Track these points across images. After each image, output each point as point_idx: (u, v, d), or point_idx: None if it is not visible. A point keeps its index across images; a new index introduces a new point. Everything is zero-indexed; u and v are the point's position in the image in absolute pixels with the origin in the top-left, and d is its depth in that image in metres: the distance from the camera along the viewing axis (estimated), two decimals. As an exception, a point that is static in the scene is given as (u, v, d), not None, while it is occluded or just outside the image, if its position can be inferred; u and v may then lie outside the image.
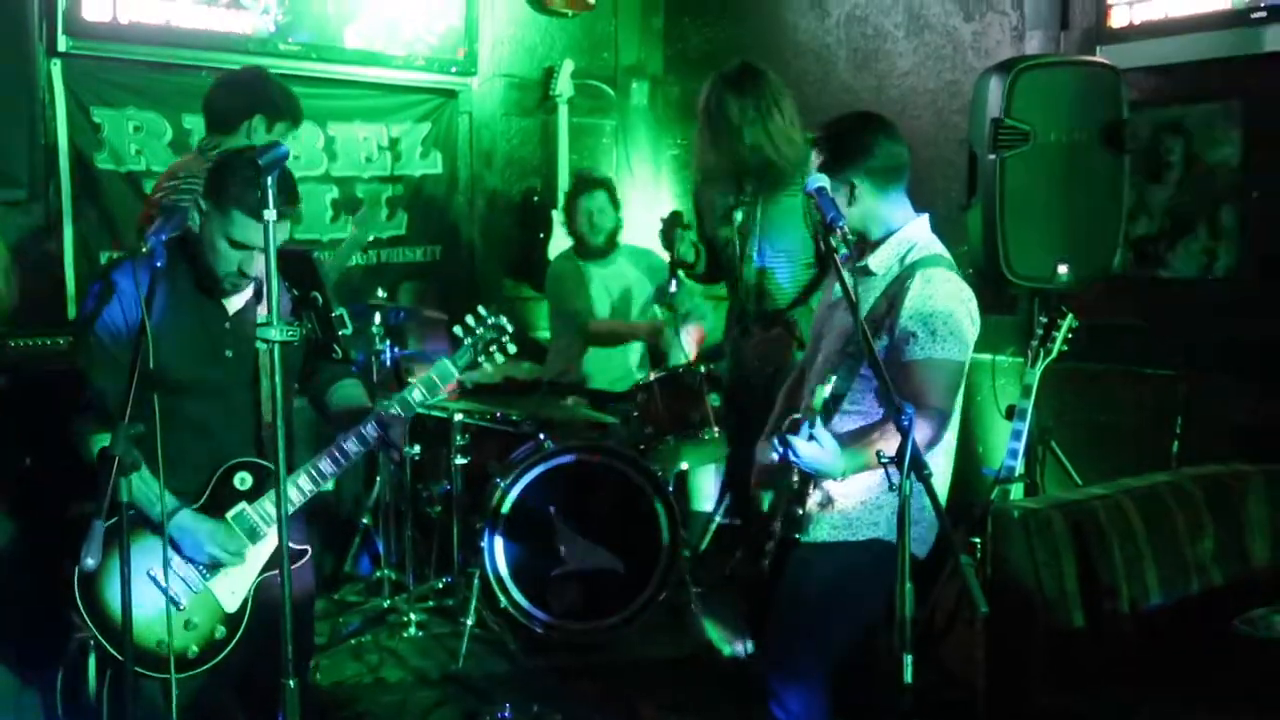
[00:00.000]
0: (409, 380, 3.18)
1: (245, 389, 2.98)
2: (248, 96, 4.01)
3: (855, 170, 3.00)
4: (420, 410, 3.08)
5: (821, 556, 3.03)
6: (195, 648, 2.92)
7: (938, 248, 3.06)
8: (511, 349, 3.10)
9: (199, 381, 2.93)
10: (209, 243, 2.86)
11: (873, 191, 3.01)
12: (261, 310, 2.96)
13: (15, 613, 3.46)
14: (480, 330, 3.06)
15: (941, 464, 3.04)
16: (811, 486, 3.02)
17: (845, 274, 2.69)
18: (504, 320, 3.09)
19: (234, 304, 2.98)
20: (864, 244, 3.08)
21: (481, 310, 3.09)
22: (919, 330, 2.89)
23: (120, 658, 2.63)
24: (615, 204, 5.42)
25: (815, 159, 3.08)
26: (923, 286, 2.91)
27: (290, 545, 2.56)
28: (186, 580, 2.91)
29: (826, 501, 3.03)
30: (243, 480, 2.95)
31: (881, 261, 3.04)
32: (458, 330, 3.09)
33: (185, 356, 2.89)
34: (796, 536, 3.04)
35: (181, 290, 2.93)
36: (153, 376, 2.67)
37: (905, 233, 3.04)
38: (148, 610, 2.80)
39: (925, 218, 3.09)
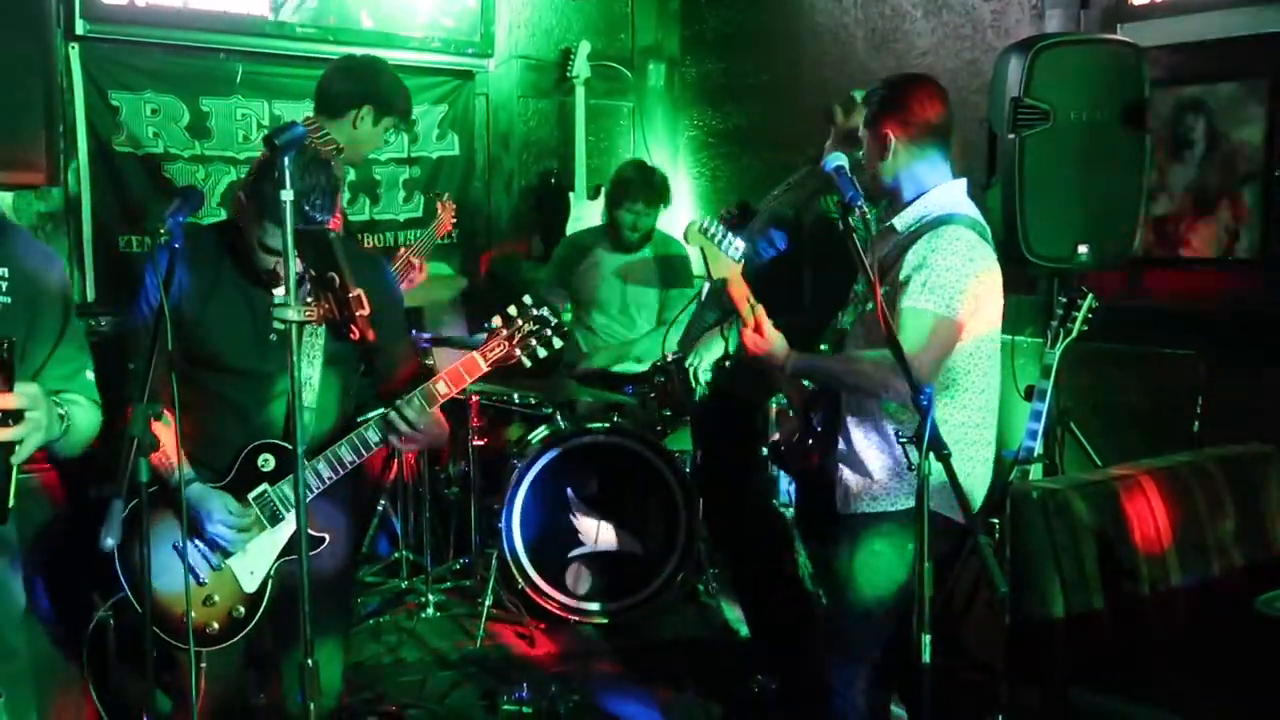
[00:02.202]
0: (429, 363, 3.13)
1: (286, 373, 2.97)
2: (361, 84, 3.93)
3: (893, 123, 3.02)
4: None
5: (858, 531, 3.05)
6: (215, 624, 2.93)
7: (967, 209, 3.04)
8: (557, 343, 2.92)
9: (243, 364, 2.93)
10: (248, 238, 2.87)
11: (909, 148, 3.03)
12: (278, 293, 2.96)
13: (57, 583, 3.50)
14: (520, 322, 2.92)
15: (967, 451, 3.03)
16: (838, 463, 3.04)
17: (864, 254, 2.68)
18: (547, 312, 2.92)
19: (279, 289, 2.98)
20: (896, 204, 3.09)
21: (526, 299, 2.92)
22: (912, 279, 2.90)
23: (156, 628, 2.67)
24: (666, 204, 5.38)
25: (861, 115, 3.11)
26: (929, 240, 2.92)
27: (310, 532, 2.57)
28: (206, 556, 2.93)
29: (857, 476, 3.05)
30: (266, 461, 2.95)
31: (906, 220, 3.04)
32: (496, 321, 2.94)
33: (231, 339, 2.91)
34: (836, 513, 3.06)
35: (228, 274, 2.94)
36: (196, 356, 2.83)
37: (935, 194, 3.04)
38: (176, 584, 2.82)
39: (962, 182, 3.08)
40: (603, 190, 6.20)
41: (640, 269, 5.35)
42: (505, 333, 2.93)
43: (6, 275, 2.36)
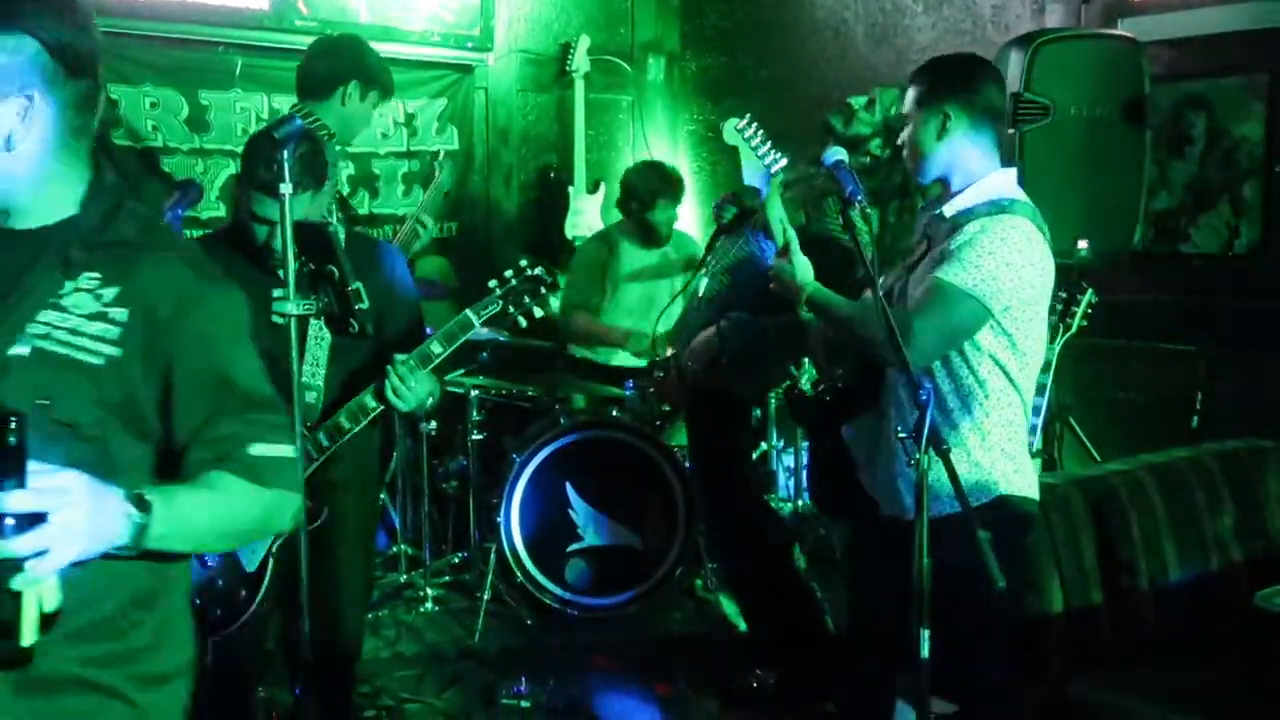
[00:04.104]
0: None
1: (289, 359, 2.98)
2: (344, 61, 3.89)
3: (954, 101, 2.83)
4: (440, 361, 3.00)
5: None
6: (219, 609, 2.94)
7: (1021, 197, 2.88)
8: (554, 301, 3.00)
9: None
10: (243, 218, 2.92)
11: (967, 128, 2.83)
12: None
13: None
14: (514, 282, 2.96)
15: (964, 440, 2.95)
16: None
17: (864, 249, 2.65)
18: (542, 270, 2.95)
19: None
20: (944, 193, 2.91)
21: (523, 263, 2.98)
22: (951, 254, 2.73)
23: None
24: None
25: (910, 92, 2.91)
26: (984, 222, 2.75)
27: (308, 504, 2.61)
28: None
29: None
30: None
31: (958, 206, 2.84)
32: (491, 283, 3.00)
33: None
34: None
35: (237, 262, 2.97)
36: None
37: (988, 181, 2.85)
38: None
39: (1013, 171, 2.94)
40: (602, 186, 6.20)
41: (665, 265, 5.36)
42: (499, 291, 2.98)
43: (124, 319, 1.63)
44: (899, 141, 3.00)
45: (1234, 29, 4.26)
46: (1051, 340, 3.92)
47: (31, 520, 1.40)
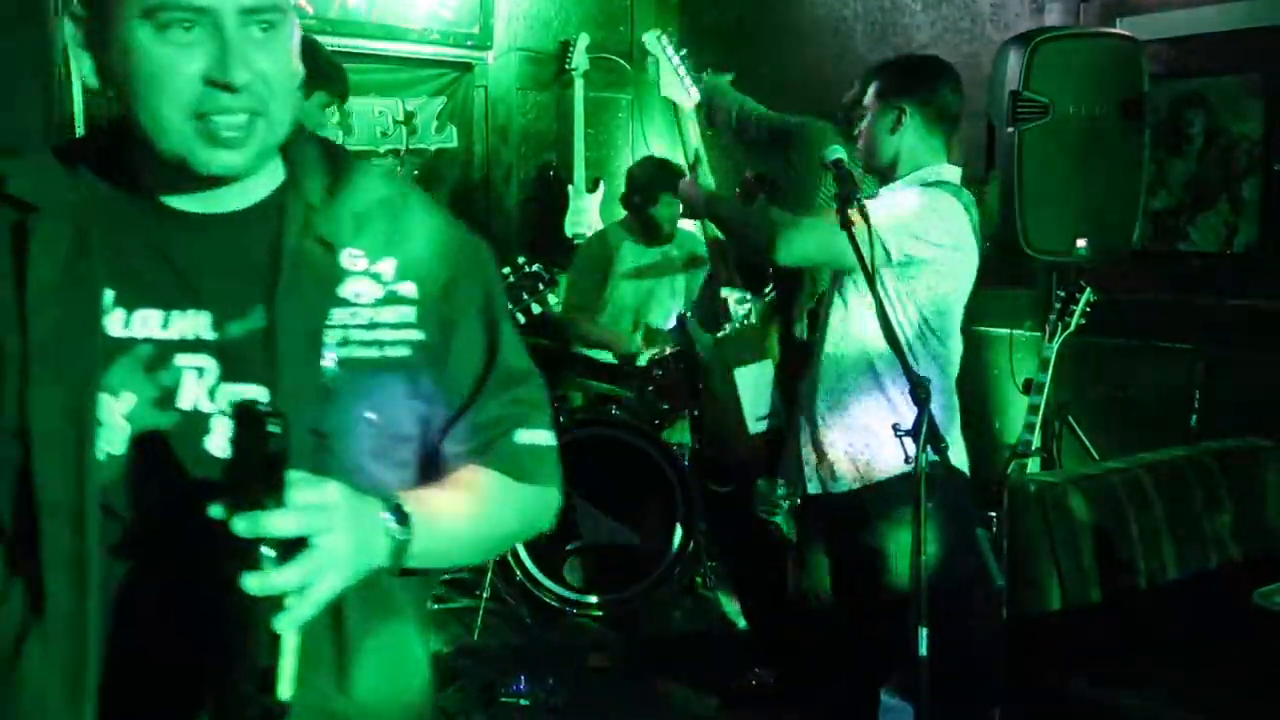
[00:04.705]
0: None
1: None
2: None
3: (911, 100, 3.01)
4: None
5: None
6: None
7: (956, 183, 3.05)
8: (552, 299, 2.99)
9: None
10: None
11: (920, 127, 3.02)
12: None
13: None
14: (512, 279, 2.97)
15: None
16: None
17: (861, 246, 2.66)
18: (539, 268, 2.97)
19: None
20: (887, 180, 3.09)
21: (520, 260, 2.99)
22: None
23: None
24: None
25: (872, 85, 3.08)
26: (910, 182, 2.98)
27: None
28: None
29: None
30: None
31: (894, 188, 3.05)
32: None
33: None
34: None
35: None
36: None
37: (930, 169, 3.04)
38: None
39: (958, 170, 3.08)
40: (601, 184, 6.19)
41: (667, 264, 5.34)
42: None
43: (415, 295, 1.35)
44: (855, 131, 3.18)
45: (1233, 27, 4.26)
46: (1050, 338, 3.93)
47: (293, 546, 1.11)
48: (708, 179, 3.27)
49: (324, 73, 3.91)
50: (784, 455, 3.28)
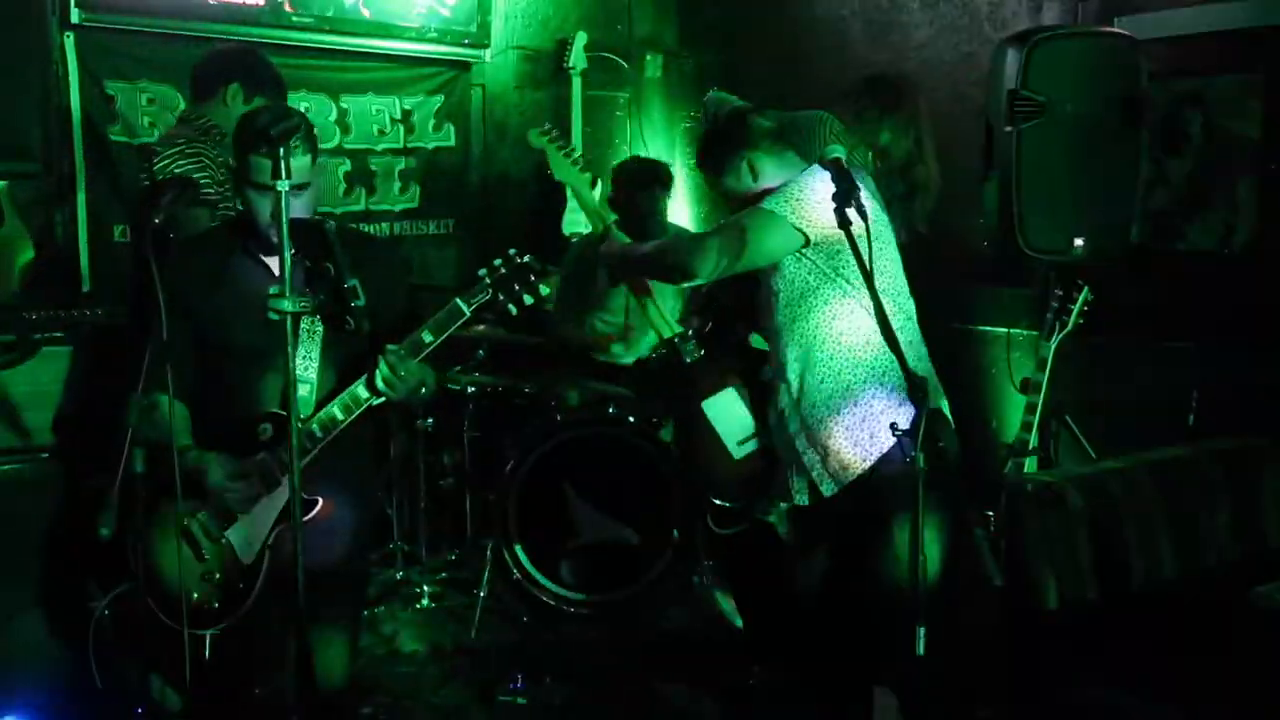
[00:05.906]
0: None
1: (284, 353, 2.99)
2: (225, 64, 4.06)
3: (744, 149, 3.25)
4: (431, 349, 3.01)
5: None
6: (216, 602, 2.95)
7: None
8: (544, 290, 2.99)
9: (248, 341, 2.99)
10: (244, 200, 2.96)
11: (768, 158, 3.24)
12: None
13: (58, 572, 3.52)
14: (504, 270, 2.96)
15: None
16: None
17: (860, 244, 2.66)
18: (531, 259, 2.96)
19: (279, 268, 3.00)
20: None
21: (511, 251, 3.00)
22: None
23: (162, 615, 2.86)
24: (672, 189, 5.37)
25: (704, 170, 3.42)
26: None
27: (302, 495, 2.65)
28: (207, 528, 2.94)
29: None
30: (264, 430, 2.97)
31: None
32: (481, 271, 3.00)
33: (239, 320, 2.98)
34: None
35: (235, 258, 3.02)
36: (207, 340, 2.96)
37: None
38: (185, 569, 2.89)
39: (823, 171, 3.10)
40: (599, 183, 6.17)
41: None
42: (489, 280, 2.98)
43: None
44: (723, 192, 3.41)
45: (1231, 27, 4.26)
46: (1048, 338, 3.94)
47: None
48: (620, 238, 3.52)
49: (257, 79, 4.00)
50: (775, 476, 3.32)
